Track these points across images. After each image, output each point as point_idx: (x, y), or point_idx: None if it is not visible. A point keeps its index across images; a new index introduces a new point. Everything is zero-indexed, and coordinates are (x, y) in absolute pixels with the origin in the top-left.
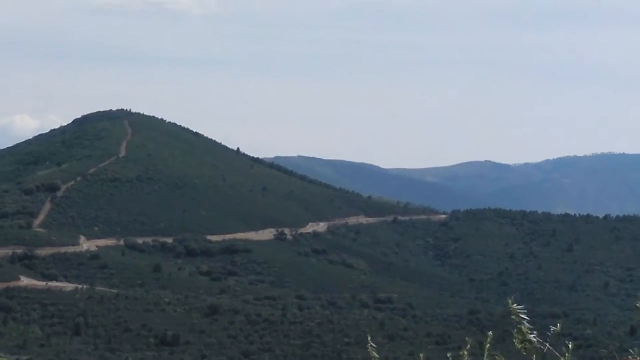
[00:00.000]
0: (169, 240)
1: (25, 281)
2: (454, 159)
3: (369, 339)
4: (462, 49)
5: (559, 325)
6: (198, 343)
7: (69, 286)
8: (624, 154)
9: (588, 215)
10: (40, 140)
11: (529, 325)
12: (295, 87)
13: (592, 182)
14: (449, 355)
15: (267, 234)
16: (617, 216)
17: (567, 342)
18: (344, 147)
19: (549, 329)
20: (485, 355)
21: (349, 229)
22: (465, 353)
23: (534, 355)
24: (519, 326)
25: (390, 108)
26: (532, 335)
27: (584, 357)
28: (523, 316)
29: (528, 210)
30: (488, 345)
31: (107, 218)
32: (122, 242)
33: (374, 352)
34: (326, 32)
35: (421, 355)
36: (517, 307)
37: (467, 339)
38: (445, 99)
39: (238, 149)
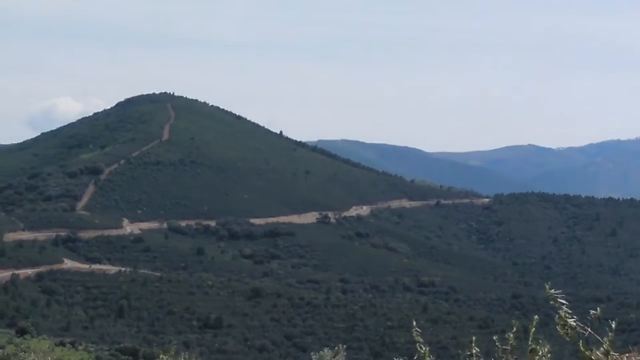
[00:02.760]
0: (212, 223)
1: (68, 264)
2: (497, 143)
3: (414, 322)
4: (507, 33)
5: (598, 309)
6: (240, 326)
7: (112, 269)
8: None
9: (632, 199)
10: (84, 123)
11: (568, 310)
12: (340, 71)
13: (636, 166)
14: (494, 337)
15: (310, 217)
16: None
17: (609, 322)
18: (388, 131)
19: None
20: (530, 339)
21: (392, 212)
22: (511, 336)
23: (579, 340)
24: (559, 310)
25: (434, 92)
26: (571, 320)
27: (627, 341)
28: (561, 300)
29: (571, 194)
30: (533, 329)
31: (150, 201)
32: (165, 225)
33: (418, 337)
34: (371, 16)
35: (473, 338)
36: (555, 292)
37: (513, 321)
38: (489, 82)
39: (281, 132)
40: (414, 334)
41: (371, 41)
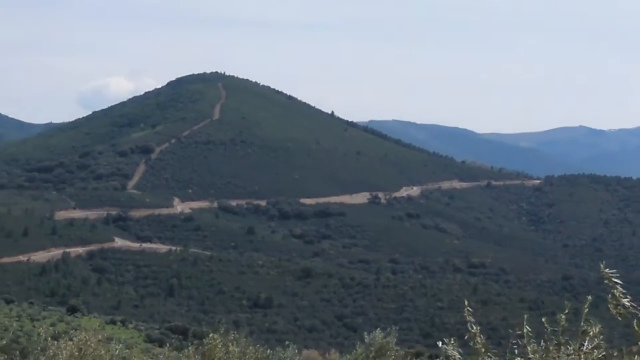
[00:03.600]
0: (262, 203)
1: (119, 242)
2: (548, 124)
3: (466, 302)
4: (560, 14)
5: None
6: (291, 305)
7: (162, 247)
8: None
9: None
10: (135, 102)
11: (622, 290)
12: (391, 52)
13: None
14: (544, 319)
15: (361, 198)
16: None
17: None
18: (439, 112)
19: None
20: (582, 320)
21: (443, 193)
22: (563, 317)
23: (632, 320)
24: (612, 291)
25: (485, 73)
26: (625, 300)
27: None
28: (616, 280)
29: (622, 176)
30: (586, 310)
31: (200, 180)
32: (215, 204)
33: (470, 317)
34: None
35: (525, 316)
36: (610, 272)
37: (566, 302)
38: (541, 63)
39: (332, 112)
40: (466, 314)
41: (422, 22)
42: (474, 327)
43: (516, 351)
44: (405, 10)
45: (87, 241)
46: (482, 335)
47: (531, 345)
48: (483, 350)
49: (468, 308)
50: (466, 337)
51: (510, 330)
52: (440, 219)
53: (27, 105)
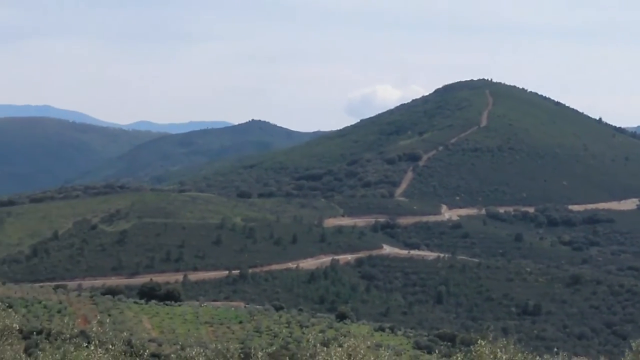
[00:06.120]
0: (530, 210)
1: (387, 249)
2: None
3: None
4: None
5: None
6: (559, 313)
7: (430, 255)
8: None
9: None
10: (402, 109)
11: None
12: None
13: None
14: None
15: (630, 204)
16: None
17: None
18: None
19: None
20: None
21: None
22: None
23: None
24: None
25: None
26: None
27: None
28: None
29: None
30: None
31: (468, 187)
32: (483, 211)
33: None
34: None
35: None
36: None
37: None
38: None
39: (600, 118)
40: None
41: None
42: None
43: None
44: None
45: (355, 248)
46: None
47: None
48: None
49: None
50: None
51: None
52: None
53: (296, 114)
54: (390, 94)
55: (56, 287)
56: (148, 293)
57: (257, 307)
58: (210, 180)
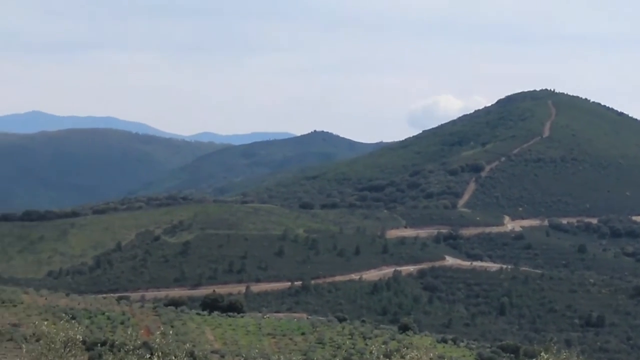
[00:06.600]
0: (593, 221)
1: (450, 260)
2: None
3: None
4: None
5: None
6: (623, 324)
7: (493, 266)
8: None
9: None
10: (464, 120)
11: None
12: None
13: None
14: None
15: None
16: None
17: None
18: None
19: None
20: None
21: None
22: None
23: None
24: None
25: None
26: None
27: None
28: None
29: None
30: None
31: (530, 198)
32: (546, 222)
33: None
34: None
35: None
36: None
37: None
38: None
39: None
40: None
41: None
42: None
43: None
44: None
45: (418, 259)
46: None
47: None
48: None
49: None
50: None
51: None
52: None
53: (358, 125)
54: (452, 104)
55: (119, 299)
56: (211, 304)
57: (320, 318)
58: (273, 191)
